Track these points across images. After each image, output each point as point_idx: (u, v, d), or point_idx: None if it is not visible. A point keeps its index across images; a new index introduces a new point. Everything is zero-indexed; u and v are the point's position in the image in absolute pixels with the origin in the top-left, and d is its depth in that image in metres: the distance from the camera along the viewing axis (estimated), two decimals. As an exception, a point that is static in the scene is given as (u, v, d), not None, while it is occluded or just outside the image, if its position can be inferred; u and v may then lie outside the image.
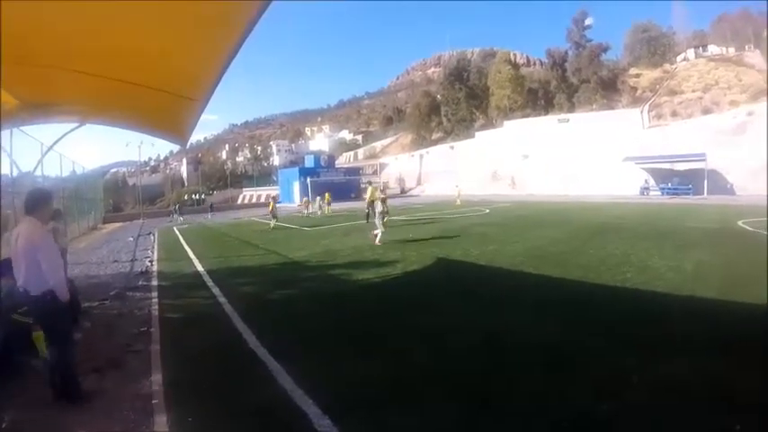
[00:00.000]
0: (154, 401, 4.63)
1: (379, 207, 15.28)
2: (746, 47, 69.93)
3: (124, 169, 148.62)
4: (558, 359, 5.09)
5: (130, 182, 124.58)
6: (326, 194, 35.73)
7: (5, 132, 12.51)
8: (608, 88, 66.80)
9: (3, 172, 13.23)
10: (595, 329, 6.03)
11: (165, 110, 7.39)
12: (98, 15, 4.21)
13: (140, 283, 11.29)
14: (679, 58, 77.06)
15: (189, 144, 13.87)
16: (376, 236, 14.85)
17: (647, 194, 39.15)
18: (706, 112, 51.27)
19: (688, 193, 36.32)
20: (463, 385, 4.61)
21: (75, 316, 7.23)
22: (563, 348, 5.40)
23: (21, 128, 12.73)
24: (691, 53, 77.88)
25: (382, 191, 27.79)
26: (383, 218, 15.20)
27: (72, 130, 11.32)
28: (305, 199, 33.35)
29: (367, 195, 23.88)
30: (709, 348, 5.19)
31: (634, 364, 4.83)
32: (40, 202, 4.82)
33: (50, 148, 14.10)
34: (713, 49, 78.90)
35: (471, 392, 4.44)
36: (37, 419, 4.43)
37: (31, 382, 5.16)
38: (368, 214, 23.03)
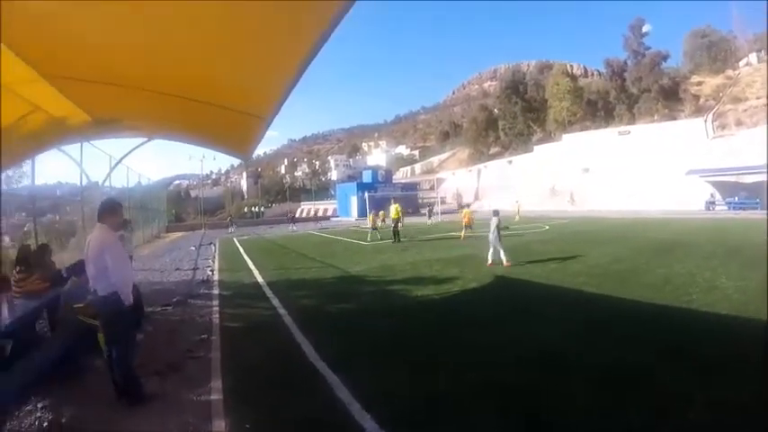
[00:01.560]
0: (213, 407, 4.73)
1: (494, 223, 13.37)
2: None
3: (187, 181, 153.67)
4: (617, 380, 4.94)
5: (192, 194, 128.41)
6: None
7: (76, 145, 13.15)
8: (669, 97, 64.90)
9: (73, 182, 13.95)
10: (657, 351, 5.80)
11: (231, 126, 7.59)
12: (169, 37, 4.38)
13: (202, 291, 11.57)
14: (741, 63, 73.95)
15: (249, 158, 14.33)
16: (501, 259, 13.12)
17: (713, 209, 37.70)
18: (773, 119, 49.09)
19: (756, 208, 34.65)
20: (520, 403, 4.53)
21: (139, 319, 7.49)
22: (622, 369, 5.23)
23: (91, 142, 13.32)
24: (753, 57, 74.46)
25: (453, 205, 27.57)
26: (499, 238, 13.32)
27: (139, 144, 11.79)
28: (381, 212, 33.43)
29: (390, 213, 23.46)
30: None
31: (695, 387, 4.64)
32: (111, 211, 5.18)
33: (119, 161, 14.74)
34: (775, 51, 75.28)
35: (528, 410, 4.36)
36: (97, 417, 4.60)
37: (95, 381, 5.38)
38: (394, 233, 22.53)
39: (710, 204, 38.47)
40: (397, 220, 22.83)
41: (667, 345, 6.02)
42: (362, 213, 44.99)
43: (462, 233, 22.44)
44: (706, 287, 9.27)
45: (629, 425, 4.03)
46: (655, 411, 4.20)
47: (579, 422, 4.12)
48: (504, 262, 13.03)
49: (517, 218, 34.66)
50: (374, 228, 24.47)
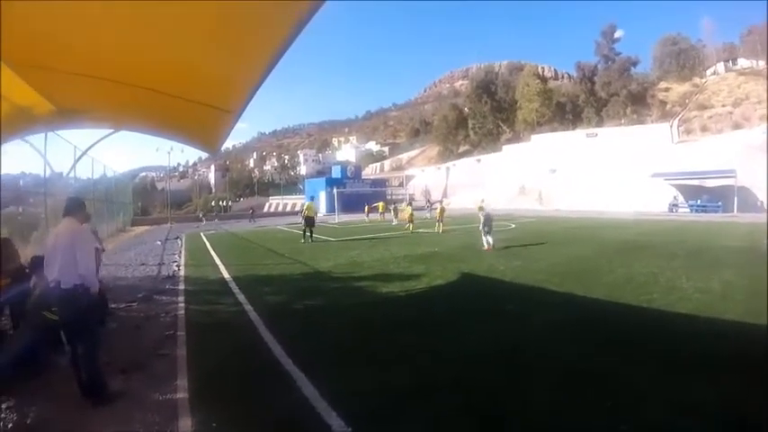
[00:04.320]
0: (178, 406, 4.69)
1: (482, 217, 16.49)
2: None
3: (153, 174, 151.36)
4: (578, 378, 5.04)
5: (159, 186, 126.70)
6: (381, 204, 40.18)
7: (41, 135, 12.87)
8: (637, 102, 66.37)
9: (36, 173, 13.64)
10: (618, 350, 5.93)
11: (199, 120, 7.52)
12: (137, 27, 4.33)
13: (167, 287, 11.42)
14: (709, 71, 76.11)
15: (217, 151, 14.13)
16: (487, 244, 16.12)
17: (676, 211, 38.52)
18: (736, 127, 50.78)
19: (717, 211, 35.66)
20: (483, 400, 4.59)
21: (102, 317, 7.36)
22: (583, 367, 5.34)
23: (56, 132, 13.04)
24: (720, 66, 76.76)
25: (409, 203, 28.47)
26: (489, 228, 16.37)
27: (106, 136, 11.60)
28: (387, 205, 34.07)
29: (305, 210, 22.74)
30: (733, 370, 5.11)
31: (656, 385, 4.77)
32: (79, 206, 5.21)
33: (84, 152, 14.47)
34: (743, 62, 77.60)
35: (491, 407, 4.44)
36: (61, 417, 4.51)
37: (60, 379, 5.24)
38: (304, 231, 22.01)
39: (673, 207, 39.28)
40: (310, 218, 22.25)
41: (628, 343, 6.16)
42: (331, 209, 44.92)
43: (437, 227, 24.37)
44: (667, 287, 9.47)
45: (590, 423, 4.12)
46: (616, 410, 4.28)
47: (540, 420, 4.19)
48: (485, 246, 16.07)
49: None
50: (411, 221, 25.63)
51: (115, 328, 7.70)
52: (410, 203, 31.70)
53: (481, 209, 17.07)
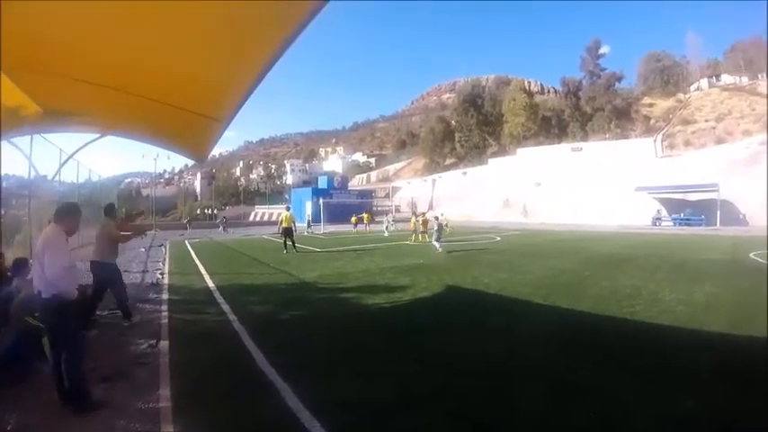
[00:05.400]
0: (161, 415, 4.64)
1: (435, 227, 19.98)
2: (759, 76, 69.76)
3: (139, 180, 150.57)
4: (562, 389, 5.06)
5: (144, 192, 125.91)
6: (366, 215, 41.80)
7: (26, 138, 12.73)
8: (622, 117, 67.34)
9: (21, 175, 13.47)
10: (602, 361, 5.96)
11: (187, 128, 7.51)
12: (129, 34, 4.34)
13: (151, 295, 11.32)
14: (692, 87, 77.48)
15: (203, 159, 14.04)
16: (438, 249, 18.85)
17: (660, 225, 38.99)
18: (719, 141, 51.78)
19: (700, 224, 36.23)
20: (468, 412, 4.58)
21: (86, 325, 7.26)
22: (567, 378, 5.36)
23: (42, 135, 12.91)
24: (704, 82, 78.16)
25: (418, 215, 29.90)
26: (439, 236, 19.69)
27: (92, 140, 11.50)
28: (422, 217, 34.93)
29: (282, 221, 22.19)
30: (715, 382, 5.18)
31: (639, 395, 4.80)
32: (69, 214, 5.07)
33: (70, 156, 14.30)
34: (726, 78, 79.04)
35: (476, 419, 4.43)
36: (41, 425, 4.46)
37: (42, 386, 5.16)
38: (284, 242, 21.58)
39: (657, 220, 39.76)
40: (287, 229, 21.70)
41: (611, 354, 6.21)
42: (317, 219, 44.80)
43: (421, 237, 26.25)
44: (650, 300, 9.57)
45: (573, 435, 4.14)
46: (599, 420, 4.31)
47: (525, 430, 4.21)
48: (438, 249, 18.76)
49: (448, 229, 34.96)
50: (438, 239, 25.39)
51: (98, 335, 7.60)
52: (414, 214, 33.75)
53: (436, 218, 20.98)
